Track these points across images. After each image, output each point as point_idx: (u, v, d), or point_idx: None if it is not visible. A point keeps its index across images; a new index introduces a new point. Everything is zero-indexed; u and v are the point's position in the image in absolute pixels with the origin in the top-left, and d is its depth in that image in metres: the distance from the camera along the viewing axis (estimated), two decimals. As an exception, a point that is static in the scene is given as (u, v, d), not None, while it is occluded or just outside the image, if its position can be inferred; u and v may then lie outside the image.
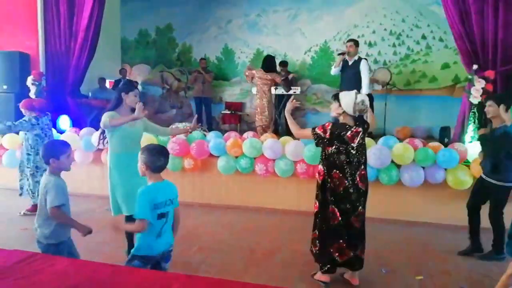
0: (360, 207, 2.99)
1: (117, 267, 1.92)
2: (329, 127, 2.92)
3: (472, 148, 4.47)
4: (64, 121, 6.43)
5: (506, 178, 3.44)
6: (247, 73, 6.72)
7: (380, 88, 7.26)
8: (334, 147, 2.91)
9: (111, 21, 8.70)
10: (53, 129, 5.50)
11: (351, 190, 2.92)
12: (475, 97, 4.62)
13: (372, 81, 6.65)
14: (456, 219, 4.23)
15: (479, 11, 4.82)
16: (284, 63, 8.00)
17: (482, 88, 4.60)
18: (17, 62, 6.40)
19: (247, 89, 8.51)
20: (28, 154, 4.78)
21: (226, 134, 5.51)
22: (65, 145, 2.59)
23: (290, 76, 7.05)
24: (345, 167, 2.91)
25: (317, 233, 3.09)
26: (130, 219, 3.20)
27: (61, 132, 6.06)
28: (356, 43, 5.95)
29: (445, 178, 4.44)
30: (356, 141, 2.91)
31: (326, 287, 3.06)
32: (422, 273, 3.33)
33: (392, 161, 4.51)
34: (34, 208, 4.57)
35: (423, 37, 7.87)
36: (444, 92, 7.67)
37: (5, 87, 6.41)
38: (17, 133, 5.40)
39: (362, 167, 2.98)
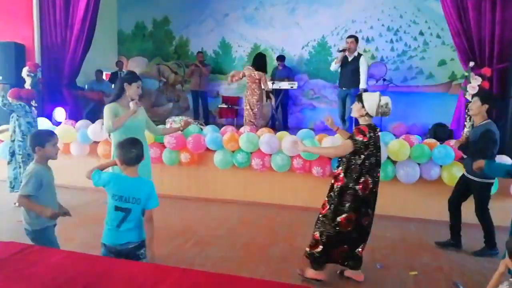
0: (371, 211, 2.99)
1: (114, 260, 1.92)
2: (367, 130, 2.82)
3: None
4: (59, 113, 6.39)
5: (486, 175, 3.46)
6: (233, 80, 6.60)
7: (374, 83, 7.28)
8: (369, 150, 2.83)
9: (107, 13, 8.63)
10: (47, 120, 5.49)
11: (373, 193, 2.91)
12: (471, 95, 4.63)
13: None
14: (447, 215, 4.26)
15: (477, 7, 4.84)
16: (281, 58, 7.98)
17: (478, 85, 4.62)
18: (13, 53, 6.35)
19: (244, 83, 8.47)
20: (20, 141, 4.77)
21: (222, 129, 5.50)
22: (50, 134, 2.63)
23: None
24: (374, 169, 2.88)
25: (319, 235, 3.02)
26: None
27: (57, 124, 6.02)
28: (356, 39, 5.97)
29: (440, 175, 4.47)
30: (378, 143, 2.91)
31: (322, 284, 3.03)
32: (416, 269, 3.36)
33: (388, 157, 4.53)
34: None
35: (421, 33, 7.87)
36: (440, 88, 7.70)
37: (0, 78, 6.35)
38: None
39: (379, 168, 2.98)
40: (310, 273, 3.07)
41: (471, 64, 4.76)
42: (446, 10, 5.08)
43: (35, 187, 2.44)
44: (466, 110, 4.81)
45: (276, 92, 7.46)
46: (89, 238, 3.89)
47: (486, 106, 3.45)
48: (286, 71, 7.98)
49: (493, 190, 4.26)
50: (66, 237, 3.86)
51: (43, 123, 5.82)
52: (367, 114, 2.90)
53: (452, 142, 4.59)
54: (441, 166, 4.47)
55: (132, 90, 3.19)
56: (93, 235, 3.93)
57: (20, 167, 4.83)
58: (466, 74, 4.81)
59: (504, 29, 4.79)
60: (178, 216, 4.63)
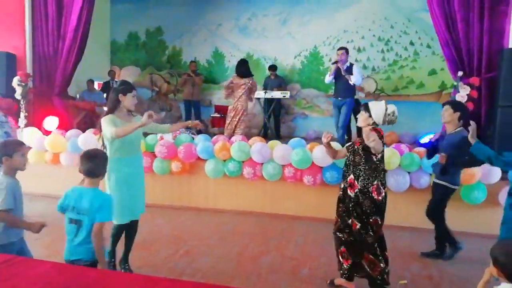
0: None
1: (100, 271, 1.90)
2: (383, 133, 2.87)
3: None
4: (50, 122, 6.34)
5: (453, 181, 3.59)
6: (227, 92, 6.62)
7: (364, 97, 7.36)
8: (381, 155, 2.87)
9: (100, 23, 8.65)
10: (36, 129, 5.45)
11: (386, 200, 2.91)
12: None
13: (358, 89, 6.73)
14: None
15: (465, 18, 4.91)
16: (273, 67, 8.03)
17: (467, 95, 4.68)
18: (4, 62, 6.32)
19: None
20: None
21: (214, 138, 5.50)
22: (19, 143, 2.55)
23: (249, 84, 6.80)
24: (383, 175, 2.91)
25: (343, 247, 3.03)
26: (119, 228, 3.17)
27: (46, 133, 5.97)
28: (347, 51, 6.09)
29: (430, 183, 4.48)
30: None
31: None
32: (406, 278, 3.35)
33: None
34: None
35: (411, 43, 7.98)
36: (431, 98, 7.78)
37: (-10, 87, 6.32)
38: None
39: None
40: (339, 280, 3.08)
41: (460, 73, 4.82)
42: (435, 21, 5.15)
43: (11, 200, 2.37)
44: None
45: (268, 101, 7.49)
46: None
47: (458, 113, 3.54)
48: (278, 80, 8.02)
49: (482, 198, 4.31)
50: (54, 249, 3.83)
51: (32, 133, 5.78)
52: (373, 123, 2.89)
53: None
54: (430, 174, 4.49)
55: (127, 100, 3.09)
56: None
57: None
58: (455, 83, 4.87)
59: (491, 39, 4.86)
60: (169, 226, 4.60)
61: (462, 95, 4.67)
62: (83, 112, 6.89)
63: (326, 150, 3.20)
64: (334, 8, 8.30)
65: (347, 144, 3.16)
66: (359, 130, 3.40)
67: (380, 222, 2.92)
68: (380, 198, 2.88)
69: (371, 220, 2.88)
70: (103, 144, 3.11)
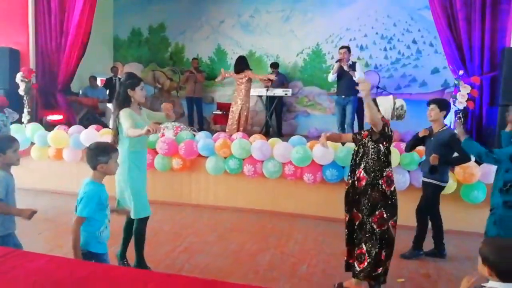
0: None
1: (96, 265, 1.93)
2: (388, 123, 2.85)
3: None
4: (54, 117, 6.40)
5: (442, 178, 3.63)
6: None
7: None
8: (387, 147, 2.84)
9: (103, 20, 8.68)
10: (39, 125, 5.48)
11: (396, 193, 2.89)
12: (461, 103, 4.68)
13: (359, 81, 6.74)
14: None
15: (467, 17, 4.90)
16: (275, 65, 8.04)
17: (468, 94, 4.67)
18: (7, 58, 6.37)
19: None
20: None
21: (215, 135, 5.52)
22: (11, 140, 2.61)
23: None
24: (391, 166, 2.88)
25: (364, 248, 2.86)
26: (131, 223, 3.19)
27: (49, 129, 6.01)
28: (349, 50, 6.10)
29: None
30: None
31: None
32: (404, 276, 3.37)
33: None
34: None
35: (414, 41, 7.95)
36: (433, 96, 7.74)
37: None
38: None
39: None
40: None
41: (461, 72, 4.81)
42: (436, 20, 5.14)
43: (4, 191, 2.43)
44: (456, 118, 4.85)
45: (270, 99, 7.50)
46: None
47: (444, 112, 3.59)
48: (280, 78, 8.02)
49: (481, 198, 4.31)
50: (56, 244, 3.88)
51: (35, 128, 5.83)
52: (382, 117, 2.85)
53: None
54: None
55: (137, 94, 3.09)
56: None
57: None
58: (456, 82, 4.86)
59: (493, 38, 4.85)
60: (169, 223, 4.63)
61: (463, 94, 4.67)
62: (85, 108, 6.93)
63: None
64: (337, 5, 8.28)
65: (354, 132, 3.12)
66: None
67: (386, 217, 2.80)
68: (391, 189, 2.83)
69: (377, 212, 2.81)
70: (116, 133, 3.08)
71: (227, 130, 6.41)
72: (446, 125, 3.61)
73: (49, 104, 6.69)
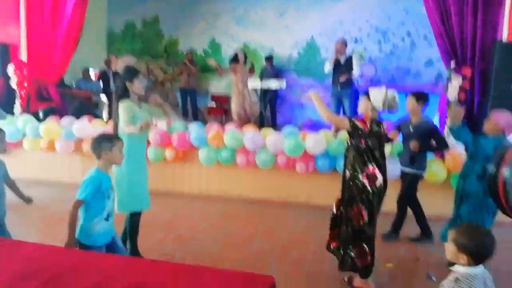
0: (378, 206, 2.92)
1: (84, 252, 1.94)
2: (368, 121, 2.83)
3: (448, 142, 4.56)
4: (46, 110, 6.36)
5: (421, 167, 3.75)
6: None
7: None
8: (370, 142, 2.81)
9: (97, 12, 8.63)
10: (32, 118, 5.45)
11: (383, 188, 2.86)
12: (452, 94, 4.70)
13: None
14: (429, 210, 4.31)
15: (459, 10, 4.90)
16: (269, 58, 8.03)
17: (459, 86, 4.69)
18: (-1, 51, 6.32)
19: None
20: None
21: (207, 125, 5.52)
22: None
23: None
24: (380, 162, 2.83)
25: (365, 246, 2.89)
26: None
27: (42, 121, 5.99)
28: (345, 43, 6.16)
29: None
30: (385, 139, 2.93)
31: None
32: (393, 262, 3.41)
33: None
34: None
35: (408, 34, 7.96)
36: (427, 88, 7.78)
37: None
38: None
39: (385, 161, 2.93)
40: (359, 281, 2.97)
41: (452, 64, 4.83)
42: (429, 13, 5.15)
43: None
44: (448, 109, 4.87)
45: (265, 91, 7.51)
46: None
47: (421, 104, 3.65)
48: (274, 70, 8.02)
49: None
50: (48, 233, 3.89)
51: (28, 120, 5.81)
52: (373, 108, 2.84)
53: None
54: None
55: (135, 86, 3.08)
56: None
57: None
58: (448, 74, 4.88)
59: (485, 32, 4.85)
60: (162, 212, 4.63)
61: (454, 85, 4.69)
62: (78, 100, 6.90)
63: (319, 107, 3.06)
64: (331, -2, 8.27)
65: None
66: None
67: (363, 212, 2.82)
68: (374, 185, 2.80)
69: (354, 207, 2.84)
70: (117, 125, 3.09)
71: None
72: (425, 116, 3.67)
73: (41, 97, 6.65)
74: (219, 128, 5.34)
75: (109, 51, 9.58)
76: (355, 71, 6.03)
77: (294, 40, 8.55)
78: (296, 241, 3.88)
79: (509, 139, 2.27)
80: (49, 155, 5.77)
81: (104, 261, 1.86)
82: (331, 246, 3.07)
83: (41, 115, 6.21)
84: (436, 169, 4.44)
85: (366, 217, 2.83)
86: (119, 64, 9.33)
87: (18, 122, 5.79)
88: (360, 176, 2.82)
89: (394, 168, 4.48)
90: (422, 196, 4.60)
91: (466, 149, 3.65)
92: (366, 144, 2.82)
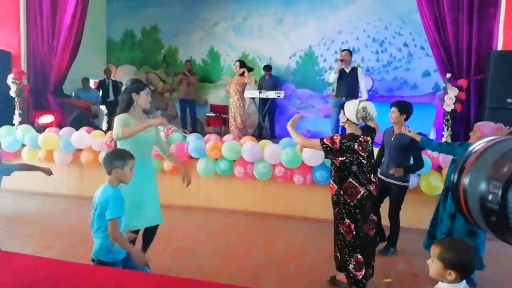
0: (372, 215, 2.96)
1: (79, 265, 1.94)
2: (338, 138, 2.85)
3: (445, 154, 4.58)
4: (45, 120, 6.38)
5: (406, 179, 3.76)
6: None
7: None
8: (344, 157, 2.85)
9: (96, 21, 8.70)
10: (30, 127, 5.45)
11: (366, 200, 2.89)
12: (448, 105, 4.74)
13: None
14: (427, 224, 4.31)
15: (454, 20, 4.96)
16: (268, 67, 8.08)
17: (455, 96, 4.72)
18: (-2, 60, 6.34)
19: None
20: None
21: (206, 137, 5.54)
22: None
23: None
24: (359, 175, 2.87)
25: (360, 257, 2.94)
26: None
27: (40, 131, 6.00)
28: (350, 52, 6.26)
29: (418, 183, 4.54)
30: (366, 150, 2.88)
31: None
32: (391, 276, 3.41)
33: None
34: None
35: (405, 44, 8.02)
36: (424, 99, 7.83)
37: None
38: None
39: (373, 174, 2.97)
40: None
41: (448, 75, 4.87)
42: (424, 23, 5.20)
43: None
44: (444, 121, 4.91)
45: (263, 101, 7.54)
46: (67, 246, 3.90)
47: (404, 115, 3.69)
48: (273, 80, 8.07)
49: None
50: (44, 246, 3.89)
51: (26, 130, 5.81)
52: (348, 120, 2.92)
53: (430, 151, 4.67)
54: (419, 175, 4.54)
55: (141, 99, 2.96)
56: (71, 243, 3.95)
57: None
58: (444, 85, 4.91)
59: (480, 42, 4.91)
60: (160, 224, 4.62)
61: (451, 96, 4.72)
62: (77, 110, 6.92)
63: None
64: (329, 8, 8.34)
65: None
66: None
67: (352, 225, 2.91)
68: (354, 200, 2.88)
69: (344, 221, 2.94)
70: (115, 145, 3.04)
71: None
72: (407, 127, 3.67)
73: (40, 106, 6.68)
74: (217, 139, 5.35)
75: (108, 60, 9.64)
76: (361, 82, 6.11)
77: (292, 49, 8.61)
78: (294, 253, 3.88)
79: (472, 147, 2.30)
80: (47, 166, 5.76)
81: (97, 274, 1.86)
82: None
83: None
84: (433, 182, 4.45)
85: (354, 231, 2.90)
86: (118, 74, 9.41)
87: (17, 132, 5.81)
88: (342, 192, 2.91)
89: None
90: (419, 208, 4.63)
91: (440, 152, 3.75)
92: (340, 161, 2.87)
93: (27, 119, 6.44)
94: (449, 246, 1.68)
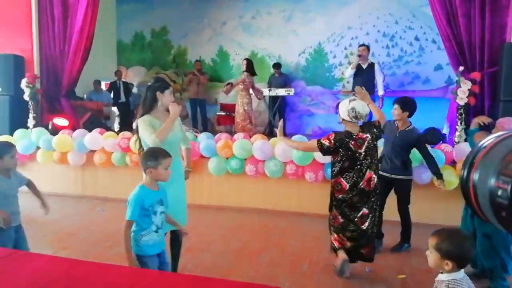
0: (364, 209, 3.07)
1: (94, 264, 1.97)
2: (332, 137, 3.01)
3: (460, 148, 4.51)
4: (58, 122, 6.47)
5: (410, 172, 3.81)
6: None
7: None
8: (339, 154, 3.01)
9: (106, 24, 8.80)
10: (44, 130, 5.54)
11: (352, 194, 3.03)
12: (461, 99, 4.66)
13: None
14: (444, 219, 4.27)
15: (466, 13, 4.88)
16: (277, 65, 8.06)
17: (468, 90, 4.65)
18: (12, 64, 6.46)
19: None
20: None
21: (217, 136, 5.56)
22: (9, 145, 2.73)
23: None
24: (350, 172, 3.02)
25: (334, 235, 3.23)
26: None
27: (53, 133, 6.10)
28: (368, 48, 6.26)
29: (431, 178, 4.48)
30: (364, 147, 3.00)
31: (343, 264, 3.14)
32: (405, 273, 3.37)
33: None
34: None
35: (416, 38, 7.92)
36: (437, 93, 7.72)
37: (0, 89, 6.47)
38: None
39: (368, 170, 3.04)
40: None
41: (461, 68, 4.79)
42: (436, 16, 5.12)
43: None
44: (458, 115, 4.83)
45: (273, 99, 7.54)
46: (83, 246, 3.96)
47: (407, 112, 3.67)
48: (282, 78, 8.06)
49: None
50: (60, 246, 3.95)
51: (40, 133, 5.91)
52: (343, 120, 3.07)
53: (444, 145, 4.61)
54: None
55: (166, 98, 2.86)
56: (86, 243, 4.01)
57: None
58: (457, 78, 4.84)
59: (493, 34, 4.82)
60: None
61: (464, 90, 4.64)
62: (89, 112, 7.02)
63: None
64: (338, 4, 8.29)
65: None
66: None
67: (334, 216, 3.17)
68: (339, 196, 3.08)
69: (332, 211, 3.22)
70: (141, 147, 2.91)
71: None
72: (411, 123, 3.71)
73: (54, 109, 6.78)
74: (228, 138, 5.36)
75: (119, 62, 9.75)
76: (377, 78, 6.14)
77: (302, 46, 8.58)
78: (307, 250, 3.87)
79: (482, 142, 2.28)
80: (62, 167, 5.87)
81: (112, 273, 1.88)
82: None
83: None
84: (447, 176, 4.38)
85: (341, 220, 3.12)
86: (129, 75, 9.50)
87: (31, 135, 5.91)
88: (332, 185, 3.15)
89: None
90: (433, 203, 4.58)
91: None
92: (336, 158, 3.06)
93: (41, 122, 6.55)
94: (446, 237, 1.70)
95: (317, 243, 4.07)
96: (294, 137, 5.28)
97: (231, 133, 6.37)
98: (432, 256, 1.72)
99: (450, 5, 4.93)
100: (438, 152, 4.43)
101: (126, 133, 5.55)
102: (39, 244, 3.93)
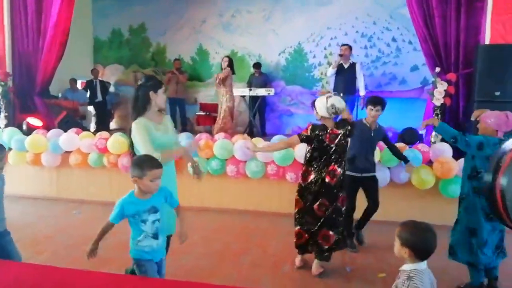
0: (324, 199, 3.23)
1: (70, 270, 1.91)
2: (310, 127, 3.20)
3: (436, 148, 4.62)
4: (32, 122, 6.26)
5: (375, 169, 4.00)
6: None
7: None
8: (312, 145, 3.20)
9: (82, 20, 8.55)
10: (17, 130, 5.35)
11: (314, 184, 3.22)
12: (438, 99, 4.78)
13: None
14: (420, 217, 4.34)
15: (443, 14, 4.99)
16: (257, 65, 8.05)
17: (445, 90, 4.76)
18: (-18, 61, 6.20)
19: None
20: None
21: (197, 136, 5.50)
22: (0, 148, 2.62)
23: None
24: (316, 162, 3.22)
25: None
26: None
27: (27, 133, 5.89)
28: (350, 47, 6.30)
29: (409, 178, 4.57)
30: (335, 142, 3.16)
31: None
32: (385, 271, 3.42)
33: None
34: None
35: (393, 39, 8.06)
36: (413, 94, 7.89)
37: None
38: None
39: (333, 163, 3.20)
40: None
41: (437, 69, 4.91)
42: (413, 17, 5.23)
43: None
44: (434, 115, 4.94)
45: (253, 98, 7.52)
46: (59, 250, 3.84)
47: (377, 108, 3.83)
48: (262, 78, 8.05)
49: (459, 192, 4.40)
50: (36, 250, 3.82)
51: (12, 133, 5.70)
52: (322, 117, 3.21)
53: (421, 145, 4.71)
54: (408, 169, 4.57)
55: (159, 98, 2.72)
56: (63, 247, 3.89)
57: None
58: (433, 79, 4.95)
59: (468, 36, 4.96)
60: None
61: (440, 90, 4.76)
62: (65, 111, 6.81)
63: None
64: (317, 4, 8.32)
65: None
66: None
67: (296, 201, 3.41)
68: (305, 183, 3.30)
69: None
70: (132, 150, 2.73)
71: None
72: (377, 122, 3.93)
73: (27, 108, 6.55)
74: (209, 138, 5.31)
75: (96, 59, 9.50)
76: (359, 78, 6.20)
77: (282, 45, 8.58)
78: (288, 252, 3.86)
79: (504, 145, 2.22)
80: (35, 169, 5.67)
81: (91, 278, 1.83)
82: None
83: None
84: (424, 175, 4.49)
85: (301, 206, 3.35)
86: (106, 73, 9.29)
87: (3, 135, 5.69)
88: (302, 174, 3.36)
89: (384, 175, 4.56)
90: (410, 202, 4.68)
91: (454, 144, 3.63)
92: (309, 147, 3.27)
93: (13, 122, 6.32)
94: (408, 227, 1.81)
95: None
96: (274, 138, 5.29)
97: (211, 133, 6.33)
98: (395, 244, 1.83)
99: (427, 6, 5.04)
100: (416, 152, 4.52)
101: (104, 133, 5.42)
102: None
